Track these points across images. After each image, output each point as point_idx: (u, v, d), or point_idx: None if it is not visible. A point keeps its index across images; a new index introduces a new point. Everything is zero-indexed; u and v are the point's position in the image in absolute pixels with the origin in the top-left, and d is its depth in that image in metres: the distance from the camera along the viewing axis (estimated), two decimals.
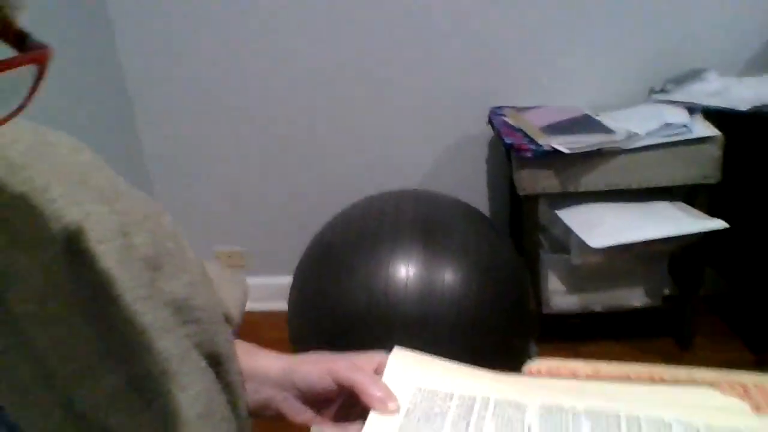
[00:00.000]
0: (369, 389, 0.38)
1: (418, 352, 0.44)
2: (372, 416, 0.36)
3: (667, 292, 1.57)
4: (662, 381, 0.48)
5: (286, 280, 1.39)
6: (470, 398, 0.36)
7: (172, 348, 0.33)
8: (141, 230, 0.34)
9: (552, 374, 0.50)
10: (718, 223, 1.29)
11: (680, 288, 1.57)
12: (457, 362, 0.44)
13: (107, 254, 0.31)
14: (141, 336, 0.31)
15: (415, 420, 0.34)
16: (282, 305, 1.35)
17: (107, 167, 0.36)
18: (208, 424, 0.33)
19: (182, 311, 0.35)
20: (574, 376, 0.50)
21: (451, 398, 0.36)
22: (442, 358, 0.44)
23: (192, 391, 0.33)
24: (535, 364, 0.52)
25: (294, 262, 1.38)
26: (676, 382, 0.48)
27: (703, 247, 1.46)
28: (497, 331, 1.20)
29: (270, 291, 1.74)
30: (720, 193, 1.42)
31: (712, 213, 1.36)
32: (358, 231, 1.26)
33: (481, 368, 0.44)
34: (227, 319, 0.42)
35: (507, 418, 0.33)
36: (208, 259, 1.81)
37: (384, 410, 0.36)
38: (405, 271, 1.17)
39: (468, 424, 0.33)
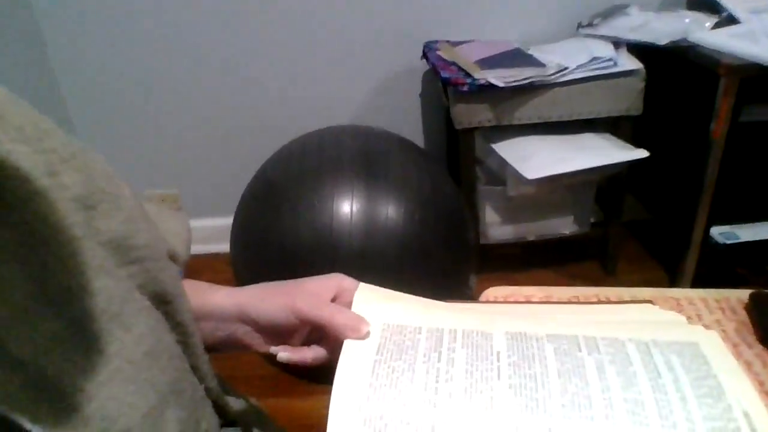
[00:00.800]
0: (336, 320, 0.39)
1: (381, 288, 0.46)
2: (347, 346, 0.37)
3: (593, 219, 1.66)
4: (608, 301, 0.52)
5: (227, 221, 1.37)
6: (438, 330, 0.37)
7: (113, 288, 0.32)
8: (69, 169, 0.32)
9: (508, 300, 0.54)
10: (642, 153, 1.36)
11: (605, 215, 1.67)
12: (417, 297, 0.46)
13: (35, 195, 0.30)
14: (78, 277, 0.30)
15: (388, 354, 0.35)
16: (224, 247, 1.33)
17: (26, 104, 0.33)
18: (156, 364, 0.33)
19: (121, 250, 0.34)
20: (529, 300, 0.53)
21: (420, 331, 0.37)
22: (404, 294, 0.46)
23: (137, 331, 0.32)
24: (492, 292, 0.55)
25: (233, 202, 1.36)
26: (619, 300, 0.52)
27: (626, 175, 1.54)
28: (440, 263, 1.24)
29: (210, 233, 1.71)
30: (641, 125, 1.49)
31: (634, 144, 1.43)
32: (299, 168, 1.25)
33: (441, 301, 0.47)
34: (173, 258, 0.42)
35: (476, 346, 0.35)
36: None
37: (358, 334, 0.37)
38: (349, 206, 1.18)
39: (440, 355, 0.35)
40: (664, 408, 0.31)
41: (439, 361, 0.34)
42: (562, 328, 0.38)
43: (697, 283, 1.55)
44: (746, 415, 0.31)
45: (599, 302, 0.51)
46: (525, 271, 1.69)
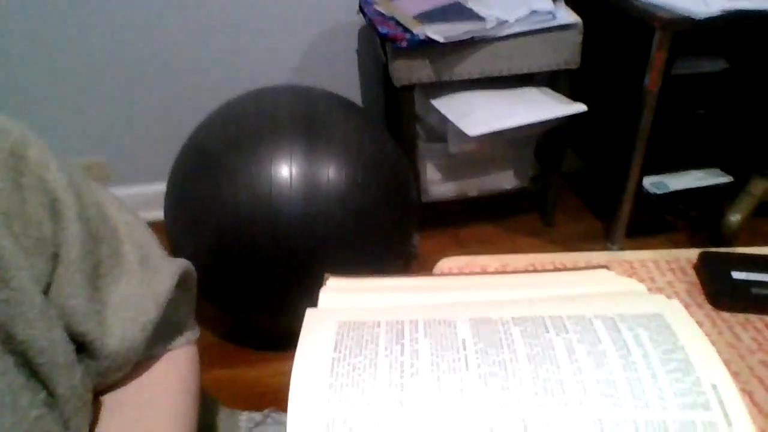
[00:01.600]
0: None
1: (343, 280, 0.43)
2: (302, 346, 0.34)
3: (532, 173, 1.68)
4: (564, 267, 0.52)
5: (159, 187, 1.30)
6: (398, 323, 0.35)
7: None
8: None
9: (463, 272, 0.52)
10: (580, 107, 1.37)
11: (543, 169, 1.69)
12: (377, 281, 0.44)
13: None
14: None
15: (347, 351, 0.33)
16: (158, 214, 1.26)
17: None
18: None
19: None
20: (485, 271, 0.52)
21: (379, 326, 0.35)
22: (365, 280, 0.43)
23: None
24: (446, 263, 0.53)
25: (165, 167, 1.29)
26: (575, 266, 0.52)
27: (565, 129, 1.56)
28: (383, 223, 1.22)
29: (141, 200, 1.62)
30: (578, 79, 1.50)
31: (572, 98, 1.44)
32: (235, 131, 1.19)
33: (399, 277, 0.44)
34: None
35: (440, 335, 0.33)
36: None
37: None
38: (288, 170, 1.14)
39: (402, 347, 0.33)
40: (636, 387, 0.31)
41: (402, 354, 0.32)
42: (527, 309, 0.36)
43: (631, 232, 1.60)
44: (714, 387, 0.31)
45: (556, 269, 0.51)
46: (467, 226, 1.70)
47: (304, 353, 0.33)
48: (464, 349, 0.32)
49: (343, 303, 0.40)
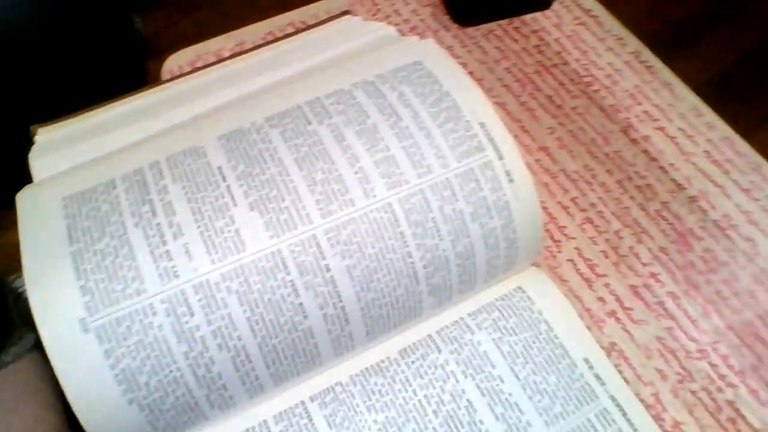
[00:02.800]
0: None
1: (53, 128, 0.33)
2: (25, 252, 0.26)
3: None
4: (306, 26, 0.46)
5: None
6: (136, 173, 0.27)
7: None
8: None
9: (197, 66, 0.44)
10: None
11: None
12: (88, 114, 0.34)
13: None
14: None
15: (87, 238, 0.25)
16: None
17: None
18: None
19: None
20: (221, 59, 0.44)
21: (114, 185, 0.27)
22: (72, 120, 0.34)
23: None
24: (174, 62, 0.44)
25: None
26: (317, 21, 0.46)
27: None
28: (93, 12, 1.00)
29: None
30: None
31: None
32: None
33: (122, 102, 0.36)
34: None
35: (191, 172, 0.27)
36: None
37: None
38: None
39: (152, 205, 0.26)
40: (415, 155, 0.28)
41: (154, 214, 0.26)
42: (280, 101, 0.31)
43: None
44: (483, 125, 0.30)
45: (298, 31, 0.44)
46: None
47: (33, 263, 0.25)
48: (224, 179, 0.27)
49: (61, 164, 0.31)
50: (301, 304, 0.26)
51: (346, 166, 0.28)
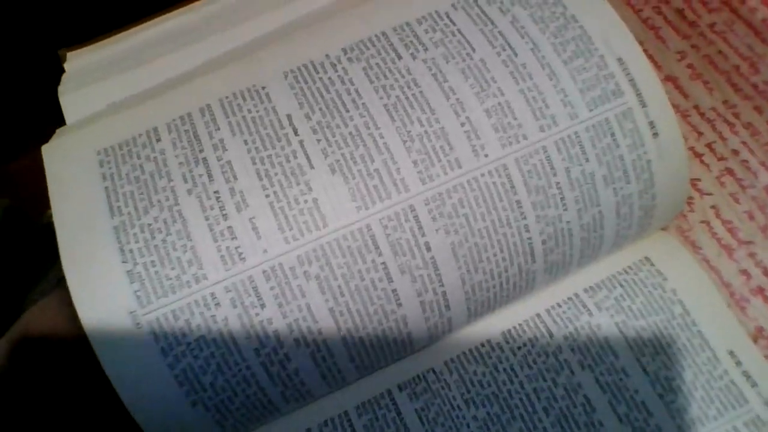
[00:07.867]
0: None
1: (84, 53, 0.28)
2: (61, 235, 0.21)
3: None
4: None
5: None
6: (184, 120, 0.22)
7: None
8: None
9: None
10: None
11: None
12: (121, 35, 0.28)
13: None
14: None
15: (131, 208, 0.20)
16: None
17: None
18: None
19: None
20: None
21: (159, 138, 0.22)
22: (104, 43, 0.28)
23: None
24: None
25: None
26: None
27: None
28: None
29: None
30: None
31: None
32: None
33: (160, 20, 0.30)
34: None
35: (254, 121, 0.21)
36: None
37: None
38: None
39: (207, 165, 0.20)
40: (536, 100, 0.22)
41: (210, 179, 0.21)
42: (358, 24, 0.24)
43: None
44: (620, 61, 0.23)
45: None
46: None
47: (68, 239, 0.20)
48: (296, 133, 0.21)
49: (95, 101, 0.26)
50: (394, 290, 0.21)
51: (449, 117, 0.22)
